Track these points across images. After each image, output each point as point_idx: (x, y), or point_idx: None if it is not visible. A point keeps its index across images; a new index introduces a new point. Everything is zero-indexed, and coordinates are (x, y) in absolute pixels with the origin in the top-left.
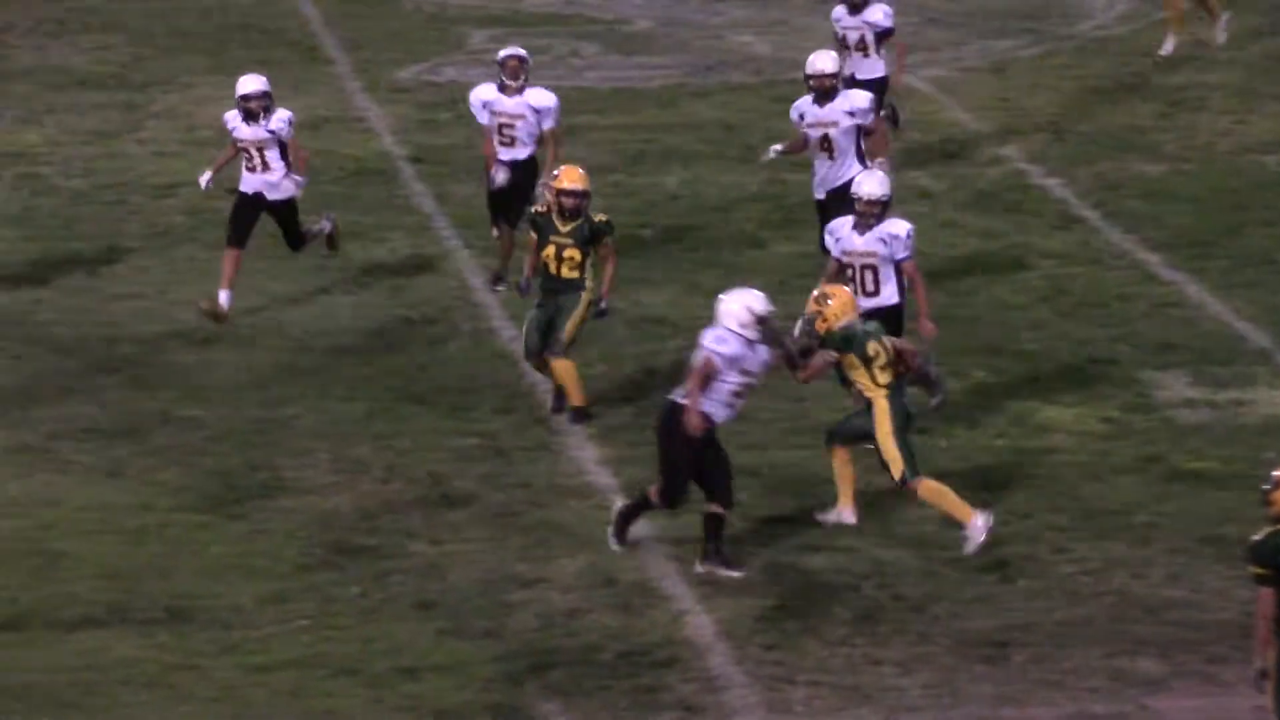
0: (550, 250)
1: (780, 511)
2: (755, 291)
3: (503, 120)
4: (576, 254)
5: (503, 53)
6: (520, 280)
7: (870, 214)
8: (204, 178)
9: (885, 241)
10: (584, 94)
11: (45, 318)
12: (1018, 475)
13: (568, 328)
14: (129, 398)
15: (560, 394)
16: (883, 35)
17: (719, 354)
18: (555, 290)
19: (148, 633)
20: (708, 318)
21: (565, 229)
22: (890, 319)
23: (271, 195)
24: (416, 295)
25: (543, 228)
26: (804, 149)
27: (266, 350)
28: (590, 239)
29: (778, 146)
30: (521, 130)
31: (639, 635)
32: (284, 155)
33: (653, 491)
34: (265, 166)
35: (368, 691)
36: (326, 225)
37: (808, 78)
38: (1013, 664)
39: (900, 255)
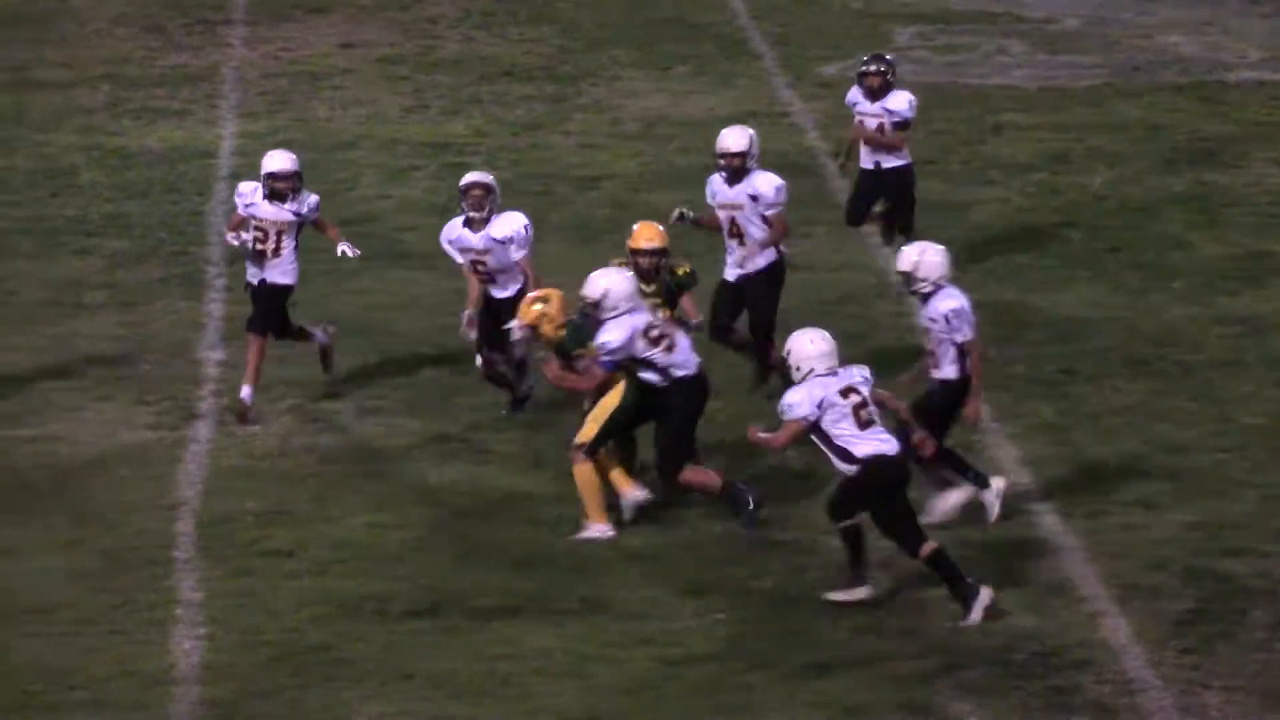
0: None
1: (1198, 517)
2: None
3: (473, 257)
4: (667, 312)
5: (464, 180)
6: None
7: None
8: (230, 237)
9: (943, 320)
10: (1010, 92)
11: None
12: None
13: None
14: (551, 389)
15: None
16: (901, 126)
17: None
18: None
19: (562, 623)
20: (1129, 319)
21: (649, 289)
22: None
23: (272, 278)
24: (838, 290)
25: None
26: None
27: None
28: (673, 295)
29: (689, 212)
30: (494, 264)
31: (1052, 636)
32: (296, 242)
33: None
34: (278, 252)
35: (781, 687)
36: (322, 337)
37: (717, 156)
38: None
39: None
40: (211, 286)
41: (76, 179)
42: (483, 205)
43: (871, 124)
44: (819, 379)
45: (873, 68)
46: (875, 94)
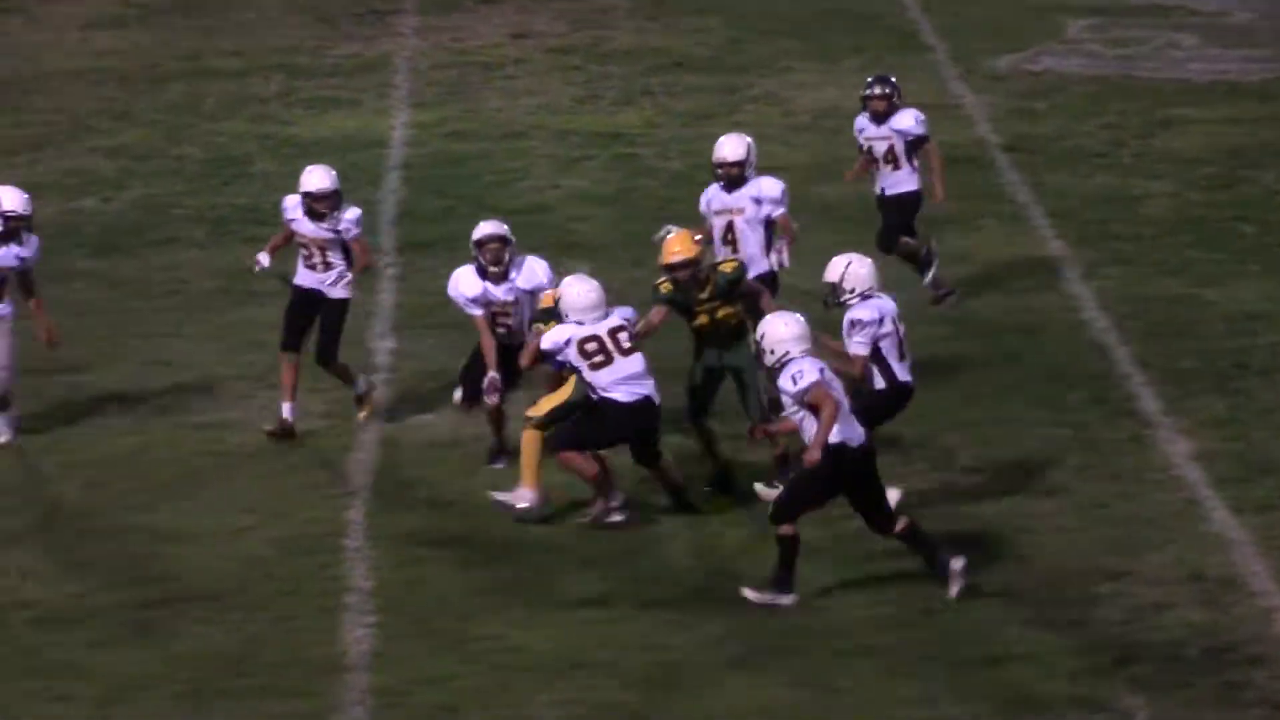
0: (704, 319)
1: None
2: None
3: (496, 309)
4: (730, 309)
5: (480, 234)
6: None
7: None
8: (261, 257)
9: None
10: (1182, 87)
11: (640, 298)
12: None
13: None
14: None
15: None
16: (915, 144)
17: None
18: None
19: (734, 614)
20: None
21: (705, 295)
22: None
23: (331, 293)
24: (1008, 285)
25: (680, 304)
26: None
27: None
28: (729, 293)
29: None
30: (519, 315)
31: (1225, 631)
32: (347, 254)
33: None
34: (326, 266)
35: (952, 678)
36: (362, 385)
37: (714, 165)
38: None
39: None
40: (382, 275)
41: (249, 168)
42: (501, 258)
43: (882, 147)
44: (808, 360)
45: (876, 90)
46: (881, 117)
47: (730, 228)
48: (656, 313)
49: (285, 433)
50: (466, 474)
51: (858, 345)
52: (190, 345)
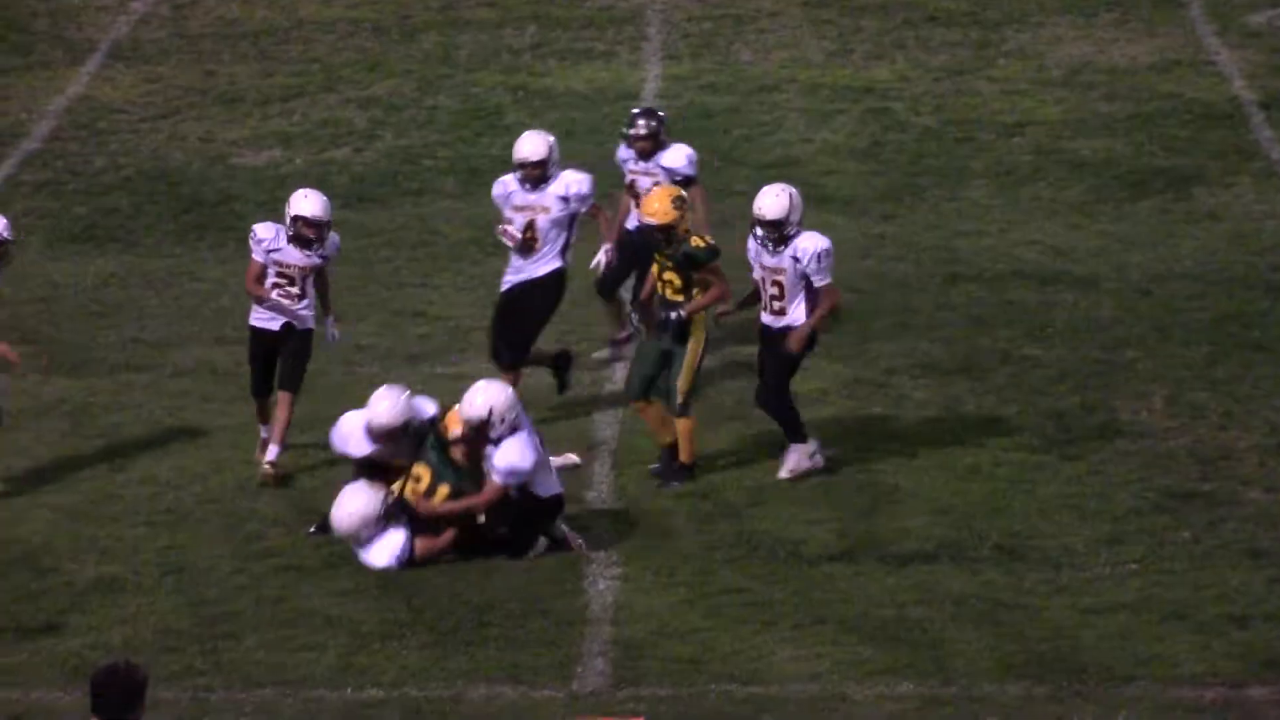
0: (655, 268)
1: None
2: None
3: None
4: (673, 275)
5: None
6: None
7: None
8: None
9: (814, 259)
10: None
11: (887, 252)
12: None
13: (681, 381)
14: (968, 335)
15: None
16: (684, 184)
17: None
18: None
19: (977, 570)
20: None
21: (667, 249)
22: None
23: (305, 323)
24: (1260, 242)
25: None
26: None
27: (1107, 293)
28: (683, 263)
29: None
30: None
31: None
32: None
33: None
34: (302, 295)
35: (1196, 637)
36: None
37: (515, 164)
38: None
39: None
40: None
41: (502, 119)
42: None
43: (645, 184)
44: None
45: (641, 129)
46: (647, 154)
47: (531, 225)
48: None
49: (278, 479)
50: (712, 428)
51: (827, 276)
52: (440, 296)
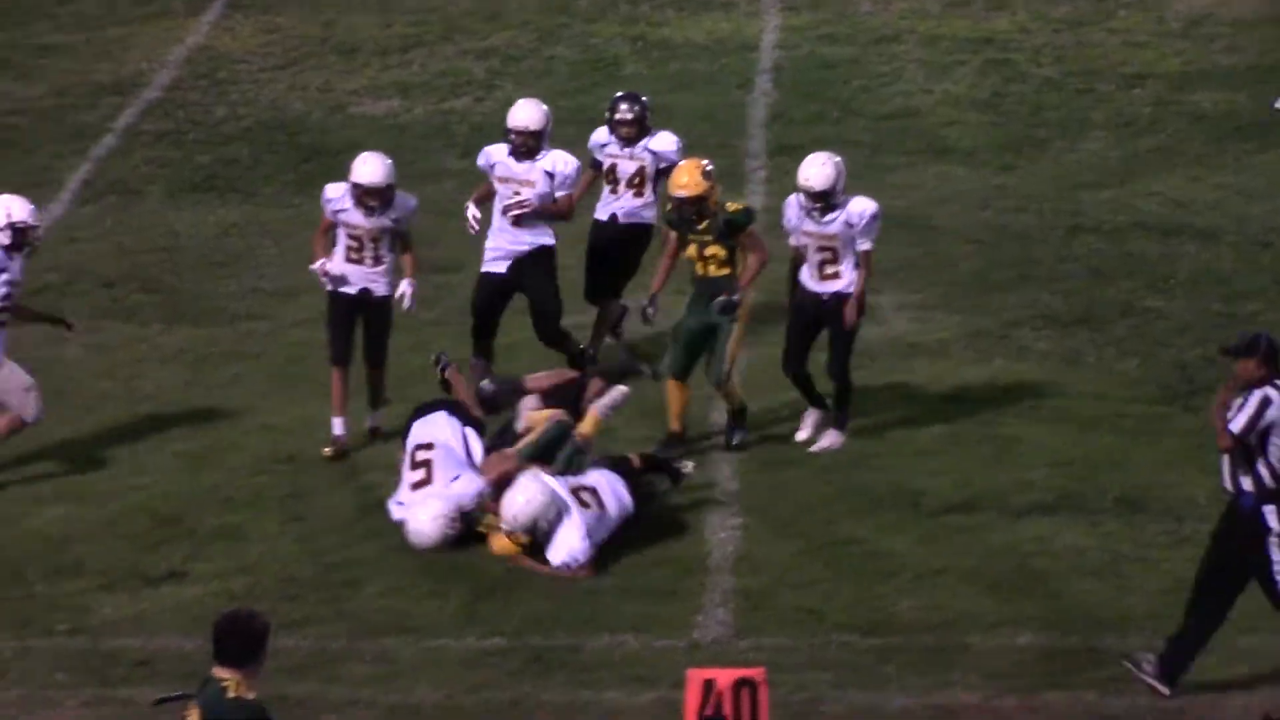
0: (692, 250)
1: None
2: None
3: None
4: (718, 248)
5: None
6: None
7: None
8: (318, 266)
9: (867, 221)
10: None
11: (1008, 204)
12: None
13: (731, 345)
14: (1090, 286)
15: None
16: (667, 171)
17: None
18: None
19: (1098, 521)
20: None
21: (702, 228)
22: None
23: (379, 291)
24: None
25: (676, 226)
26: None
27: (1228, 245)
28: (725, 232)
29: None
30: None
31: None
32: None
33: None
34: (376, 260)
35: None
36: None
37: (509, 132)
38: None
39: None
40: (751, 178)
41: (620, 70)
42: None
43: (628, 169)
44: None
45: (627, 114)
46: (630, 140)
47: (517, 199)
48: (665, 234)
49: (338, 454)
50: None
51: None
52: (560, 245)
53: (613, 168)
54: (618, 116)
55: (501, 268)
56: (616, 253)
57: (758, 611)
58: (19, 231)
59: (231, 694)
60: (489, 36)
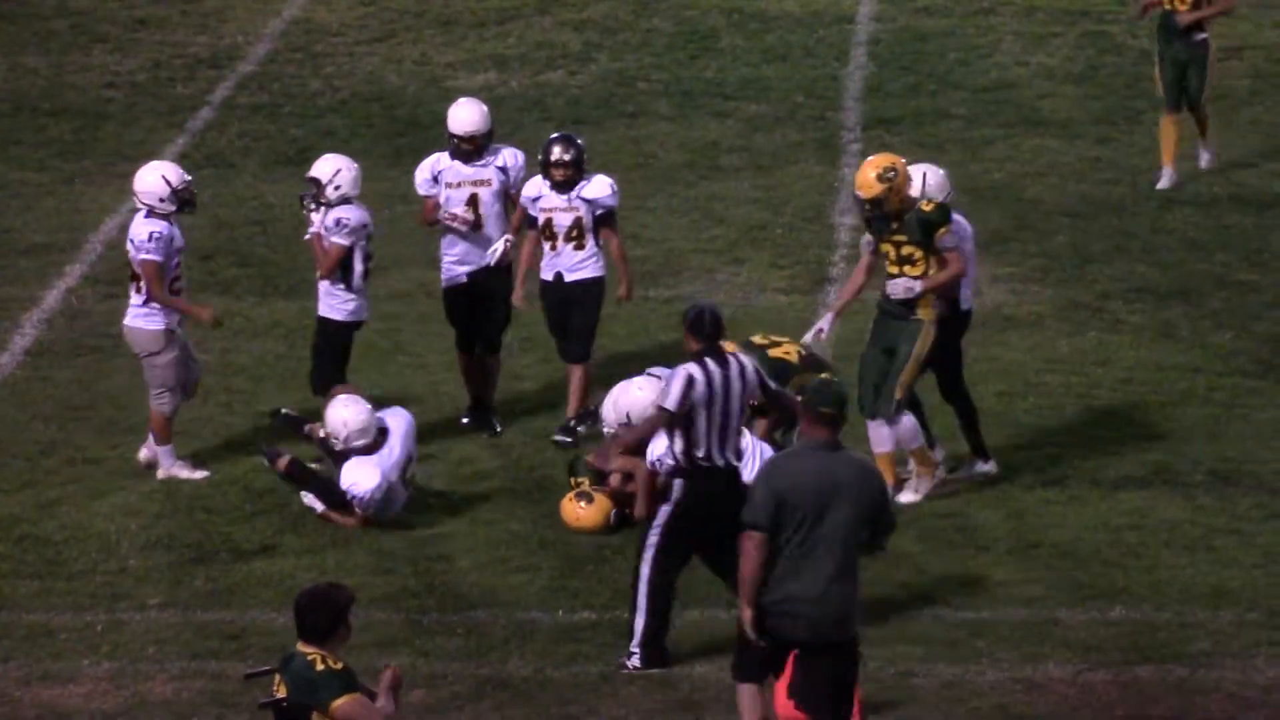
0: (888, 247)
1: None
2: None
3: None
4: (913, 248)
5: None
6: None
7: None
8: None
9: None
10: None
11: (1103, 175)
12: None
13: (905, 375)
14: (1184, 259)
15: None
16: (605, 219)
17: None
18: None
19: (1190, 495)
20: None
21: (894, 225)
22: None
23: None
24: None
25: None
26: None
27: None
28: (920, 231)
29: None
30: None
31: None
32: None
33: None
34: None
35: None
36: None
37: (453, 137)
38: None
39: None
40: (846, 151)
41: (716, 42)
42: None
43: (565, 221)
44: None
45: (563, 155)
46: (564, 184)
47: (474, 200)
48: (864, 241)
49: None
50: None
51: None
52: (655, 219)
53: (549, 222)
54: (553, 158)
55: (459, 276)
56: (572, 313)
57: None
58: (178, 193)
59: (319, 666)
60: (585, 8)
